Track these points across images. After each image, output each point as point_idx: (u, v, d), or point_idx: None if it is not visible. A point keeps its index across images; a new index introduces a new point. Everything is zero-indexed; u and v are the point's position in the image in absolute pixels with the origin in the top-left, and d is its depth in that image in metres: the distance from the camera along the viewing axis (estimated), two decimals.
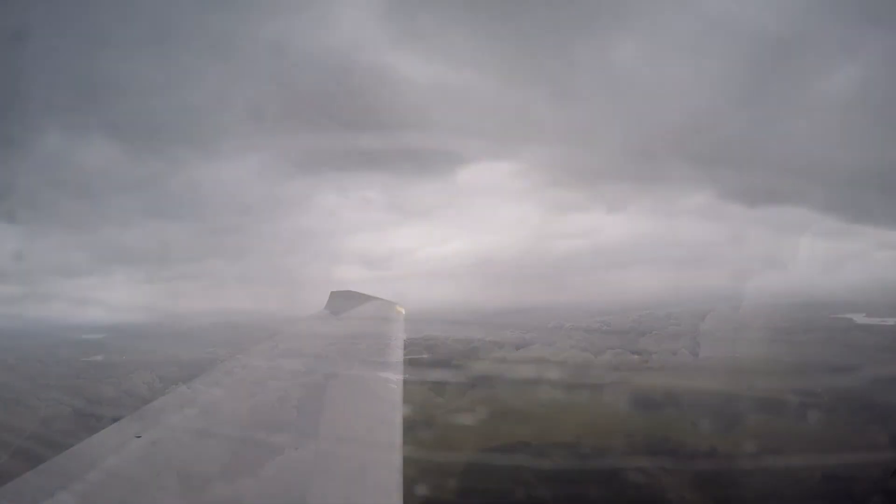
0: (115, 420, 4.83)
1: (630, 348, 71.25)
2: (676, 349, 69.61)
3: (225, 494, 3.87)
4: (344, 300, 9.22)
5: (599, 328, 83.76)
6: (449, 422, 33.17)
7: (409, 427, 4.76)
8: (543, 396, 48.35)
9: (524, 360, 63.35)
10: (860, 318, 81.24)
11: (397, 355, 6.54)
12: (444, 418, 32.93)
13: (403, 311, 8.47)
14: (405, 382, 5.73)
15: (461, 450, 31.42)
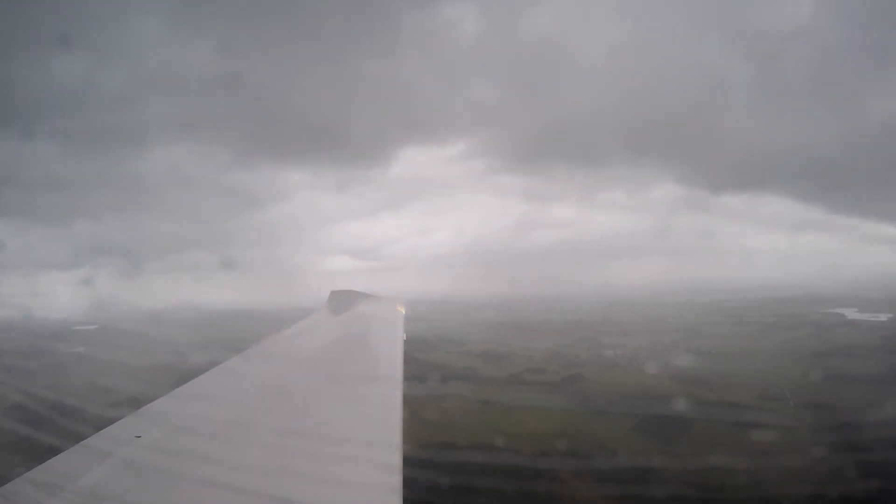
0: (112, 421, 4.82)
1: (605, 341, 70.65)
2: (653, 344, 69.07)
3: (225, 494, 3.87)
4: (344, 299, 9.15)
5: (579, 319, 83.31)
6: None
7: None
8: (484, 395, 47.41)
9: (481, 354, 62.52)
10: (851, 314, 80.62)
11: (397, 354, 6.51)
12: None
13: (403, 311, 8.40)
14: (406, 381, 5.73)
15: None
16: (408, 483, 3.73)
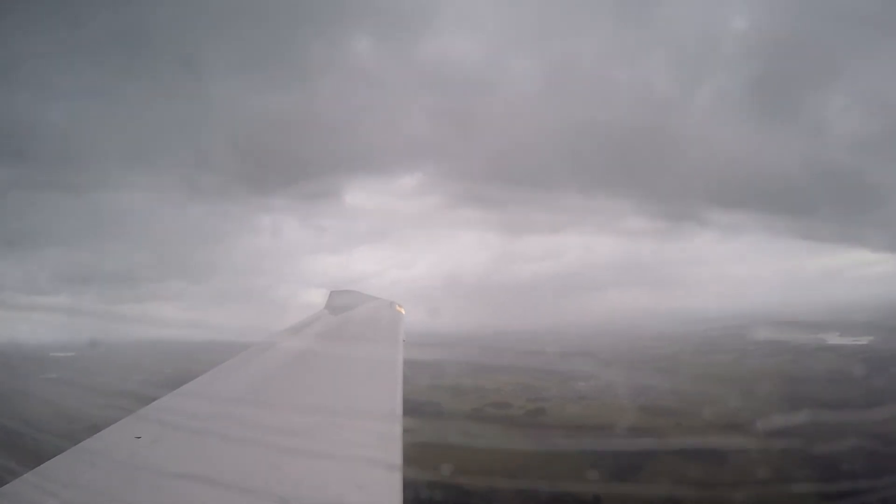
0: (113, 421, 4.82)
1: (580, 373, 69.72)
2: (627, 375, 68.10)
3: (225, 494, 3.89)
4: (343, 299, 9.14)
5: (556, 351, 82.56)
6: None
7: None
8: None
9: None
10: (833, 338, 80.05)
11: (397, 355, 6.56)
12: None
13: (403, 311, 8.43)
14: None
15: None
16: None
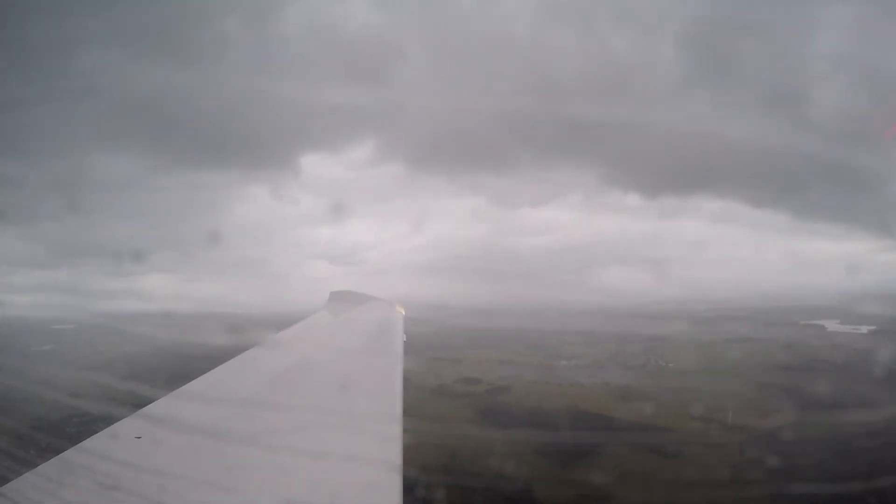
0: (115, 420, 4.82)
1: (564, 351, 69.13)
2: (611, 355, 67.40)
3: (225, 495, 3.89)
4: (344, 300, 9.14)
5: (552, 328, 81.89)
6: None
7: None
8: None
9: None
10: (832, 325, 77.01)
11: (397, 354, 6.57)
12: None
13: (403, 312, 8.43)
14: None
15: None
16: None
